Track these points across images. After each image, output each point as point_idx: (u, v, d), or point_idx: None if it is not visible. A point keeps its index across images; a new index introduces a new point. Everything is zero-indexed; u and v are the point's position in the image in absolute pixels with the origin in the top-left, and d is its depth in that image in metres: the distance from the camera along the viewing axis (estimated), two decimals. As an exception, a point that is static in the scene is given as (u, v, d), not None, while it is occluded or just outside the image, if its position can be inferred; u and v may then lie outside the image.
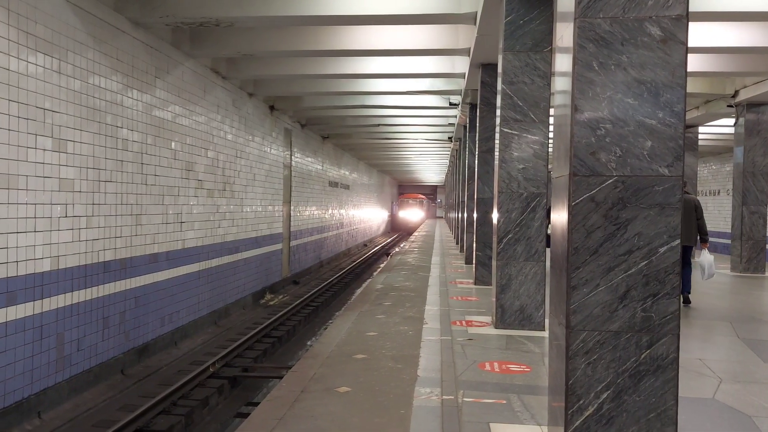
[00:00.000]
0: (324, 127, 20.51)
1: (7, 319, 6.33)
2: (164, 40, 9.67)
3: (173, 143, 10.10)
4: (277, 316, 12.45)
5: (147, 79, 9.20)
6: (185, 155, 10.57)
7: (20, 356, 6.55)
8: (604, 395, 3.09)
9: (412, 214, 54.34)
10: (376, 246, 35.29)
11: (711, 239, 21.30)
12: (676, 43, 3.03)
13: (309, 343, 11.61)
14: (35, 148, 6.71)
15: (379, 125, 19.79)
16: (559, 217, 3.34)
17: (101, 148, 7.97)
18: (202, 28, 9.45)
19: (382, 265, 19.65)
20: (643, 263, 3.08)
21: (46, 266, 6.91)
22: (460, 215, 20.18)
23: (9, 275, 6.34)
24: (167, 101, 9.88)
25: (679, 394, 3.12)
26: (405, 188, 66.36)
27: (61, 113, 7.16)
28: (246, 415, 6.80)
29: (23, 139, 6.52)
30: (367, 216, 38.09)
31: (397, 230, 52.20)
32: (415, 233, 33.94)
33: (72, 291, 7.42)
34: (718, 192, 22.09)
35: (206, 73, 11.39)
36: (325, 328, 10.95)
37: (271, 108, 15.59)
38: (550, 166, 5.76)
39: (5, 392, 6.33)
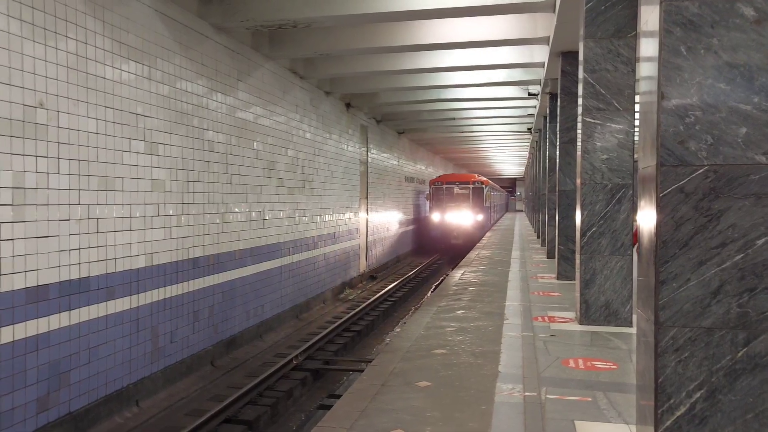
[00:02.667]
0: (400, 122, 20.58)
1: (108, 313, 6.77)
2: (245, 44, 10.00)
3: (255, 143, 10.44)
4: (356, 310, 12.64)
5: (230, 82, 9.55)
6: (267, 154, 10.90)
7: (119, 347, 6.98)
8: (697, 394, 2.95)
9: (460, 217, 27.26)
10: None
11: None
12: (773, 21, 2.83)
13: (387, 337, 11.72)
14: (129, 152, 7.11)
15: (455, 118, 19.65)
16: (647, 209, 3.21)
17: (189, 150, 8.35)
18: (281, 30, 9.71)
19: (460, 261, 19.53)
20: (739, 257, 2.91)
21: (141, 263, 7.33)
22: (540, 208, 19.75)
23: (108, 271, 6.76)
24: (249, 102, 10.22)
25: (781, 396, 2.93)
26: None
27: (152, 117, 7.55)
28: (329, 407, 6.96)
29: (119, 143, 6.93)
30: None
31: (429, 251, 27.25)
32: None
33: (165, 286, 7.83)
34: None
35: (285, 73, 11.69)
36: (404, 323, 11.02)
37: (348, 105, 15.79)
38: (636, 156, 5.55)
39: (107, 381, 6.77)
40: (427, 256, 25.68)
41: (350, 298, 15.30)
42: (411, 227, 26.14)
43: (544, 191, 16.42)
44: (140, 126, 7.31)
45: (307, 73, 12.33)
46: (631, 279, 6.57)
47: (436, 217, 27.11)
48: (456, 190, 27.46)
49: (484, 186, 27.82)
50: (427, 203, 28.31)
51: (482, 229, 27.10)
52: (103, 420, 6.63)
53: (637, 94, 3.84)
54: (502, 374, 5.07)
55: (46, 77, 5.87)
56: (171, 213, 7.93)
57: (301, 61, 12.10)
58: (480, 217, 27.23)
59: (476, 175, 29.66)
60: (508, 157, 38.38)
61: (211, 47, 8.96)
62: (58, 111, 6.03)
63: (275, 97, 11.27)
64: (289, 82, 11.88)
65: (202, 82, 8.71)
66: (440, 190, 27.47)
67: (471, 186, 27.51)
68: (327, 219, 14.27)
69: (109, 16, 6.77)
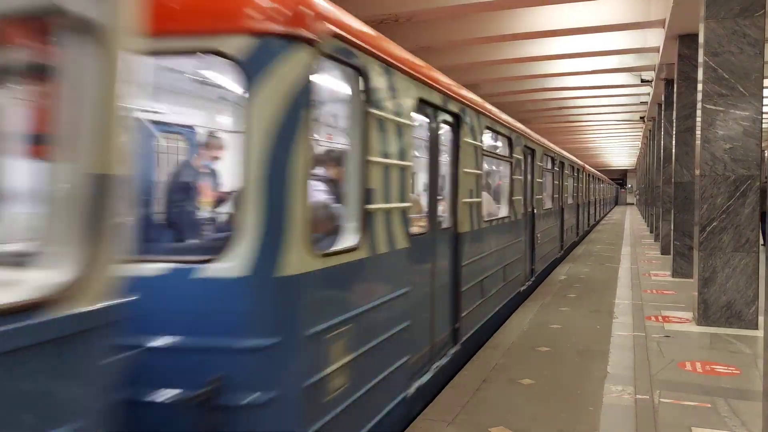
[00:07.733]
0: (503, 113, 20.22)
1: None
2: (348, 39, 10.18)
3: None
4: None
5: (334, 78, 9.76)
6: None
7: None
8: (837, 408, 2.68)
9: None
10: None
11: None
12: None
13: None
14: None
15: (561, 108, 19.05)
16: (777, 202, 2.94)
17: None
18: (383, 24, 9.78)
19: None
20: None
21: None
22: (653, 201, 18.77)
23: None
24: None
25: None
26: None
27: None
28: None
29: None
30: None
31: None
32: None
33: None
34: None
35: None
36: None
37: (450, 98, 15.70)
38: (764, 146, 5.12)
39: None
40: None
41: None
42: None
43: (658, 183, 15.56)
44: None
45: (408, 67, 12.38)
46: (757, 278, 6.09)
47: None
48: None
49: None
50: None
51: None
52: None
53: (767, 78, 3.52)
54: (610, 375, 4.85)
55: None
56: None
57: (403, 54, 12.16)
58: None
59: None
60: (617, 147, 36.74)
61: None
62: None
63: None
64: (391, 76, 11.97)
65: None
66: None
67: None
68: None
69: None
